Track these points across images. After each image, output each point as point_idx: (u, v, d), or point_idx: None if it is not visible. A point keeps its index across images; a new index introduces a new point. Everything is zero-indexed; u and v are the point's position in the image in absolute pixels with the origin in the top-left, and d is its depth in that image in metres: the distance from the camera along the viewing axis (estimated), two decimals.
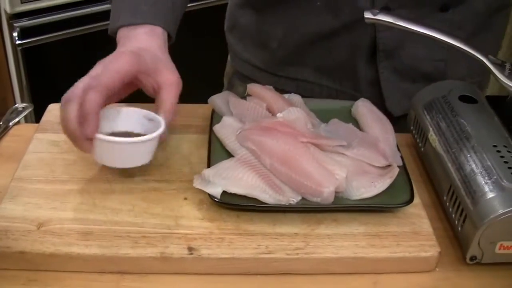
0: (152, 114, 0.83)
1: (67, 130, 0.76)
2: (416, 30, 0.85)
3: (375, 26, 1.02)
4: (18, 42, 1.88)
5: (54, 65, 1.99)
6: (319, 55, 1.10)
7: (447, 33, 0.84)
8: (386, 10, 0.99)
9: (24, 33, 1.89)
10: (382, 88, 1.08)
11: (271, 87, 0.98)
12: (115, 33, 0.89)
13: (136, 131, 0.84)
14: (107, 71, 0.78)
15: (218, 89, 1.20)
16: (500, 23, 1.14)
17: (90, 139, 0.76)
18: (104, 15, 1.97)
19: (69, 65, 2.00)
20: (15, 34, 1.88)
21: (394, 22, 0.86)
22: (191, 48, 2.09)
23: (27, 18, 1.89)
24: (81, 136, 0.76)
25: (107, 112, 0.82)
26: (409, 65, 1.07)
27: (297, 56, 1.12)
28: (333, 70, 1.10)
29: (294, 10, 1.07)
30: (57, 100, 1.01)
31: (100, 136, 0.77)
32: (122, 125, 0.84)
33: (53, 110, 0.98)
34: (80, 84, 0.76)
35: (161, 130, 0.79)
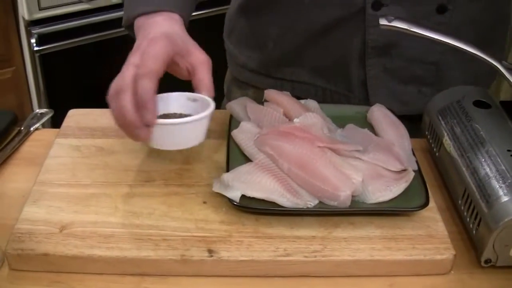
0: (195, 94, 0.83)
1: (125, 120, 0.76)
2: (431, 37, 0.86)
3: (365, 21, 1.02)
4: (36, 48, 1.90)
5: (71, 71, 2.02)
6: (313, 54, 1.10)
7: (458, 39, 0.86)
8: (378, 5, 1.00)
9: (42, 39, 1.92)
10: (368, 86, 1.08)
11: (288, 93, 0.99)
12: (131, 24, 0.89)
13: (185, 112, 0.85)
14: (149, 57, 0.78)
15: (218, 96, 1.22)
16: (502, 38, 1.14)
17: (148, 127, 0.77)
18: (120, 22, 2.01)
19: (86, 71, 2.03)
20: (33, 40, 1.91)
21: (409, 28, 0.87)
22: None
23: (44, 25, 1.93)
24: (141, 124, 0.76)
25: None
26: (399, 65, 1.07)
27: (292, 56, 1.12)
28: (327, 70, 1.10)
29: (286, 9, 1.07)
30: (74, 105, 1.04)
31: (161, 120, 0.78)
32: (170, 109, 0.85)
33: (73, 116, 1.00)
34: (128, 73, 0.76)
35: (212, 106, 0.81)
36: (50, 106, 1.96)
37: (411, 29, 0.87)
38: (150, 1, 0.88)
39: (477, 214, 0.74)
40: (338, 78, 1.09)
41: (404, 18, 0.88)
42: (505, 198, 0.70)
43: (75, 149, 0.92)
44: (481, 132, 0.82)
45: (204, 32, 2.07)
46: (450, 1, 1.01)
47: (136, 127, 0.76)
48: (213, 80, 0.82)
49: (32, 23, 1.92)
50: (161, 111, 0.84)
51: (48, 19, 1.93)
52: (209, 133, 0.95)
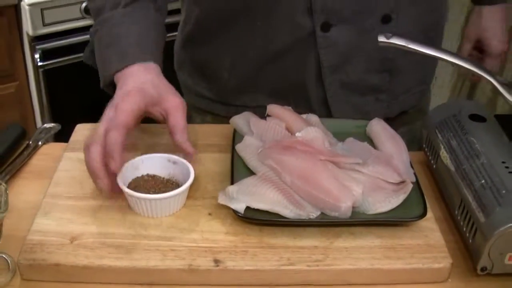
0: (175, 157, 0.88)
1: (91, 170, 0.81)
2: (427, 53, 0.89)
3: (317, 43, 1.04)
4: (40, 63, 1.93)
5: (73, 86, 2.04)
6: (270, 78, 1.11)
7: (454, 54, 0.89)
8: (327, 26, 1.02)
9: (45, 54, 1.95)
10: (329, 104, 1.11)
11: (290, 108, 1.02)
12: (110, 82, 0.94)
13: (162, 175, 0.89)
14: (120, 112, 0.83)
15: None
16: (441, 33, 1.19)
17: (114, 177, 0.82)
18: None
19: (88, 86, 2.04)
20: (36, 55, 1.94)
21: (406, 45, 0.90)
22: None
23: (48, 40, 1.96)
24: (104, 175, 0.80)
25: (132, 162, 0.87)
26: (355, 78, 1.09)
27: (249, 83, 1.13)
28: (286, 92, 1.11)
29: (237, 36, 1.09)
30: (76, 119, 1.06)
31: (127, 190, 0.82)
32: (151, 170, 0.89)
33: (80, 130, 1.03)
34: (101, 128, 0.82)
35: (191, 179, 0.84)
36: (53, 120, 1.98)
37: (409, 46, 0.89)
38: (123, 57, 0.92)
39: (473, 224, 0.77)
40: (298, 99, 1.10)
41: (401, 34, 0.91)
42: (500, 208, 0.73)
43: (83, 162, 0.94)
44: (477, 145, 0.85)
45: (168, 57, 2.11)
46: (393, 10, 1.04)
47: (97, 177, 0.81)
48: (186, 122, 0.87)
49: (36, 39, 1.95)
50: (144, 172, 0.88)
51: (51, 34, 1.96)
52: (214, 147, 0.99)
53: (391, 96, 1.14)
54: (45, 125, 1.09)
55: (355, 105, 1.11)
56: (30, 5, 1.90)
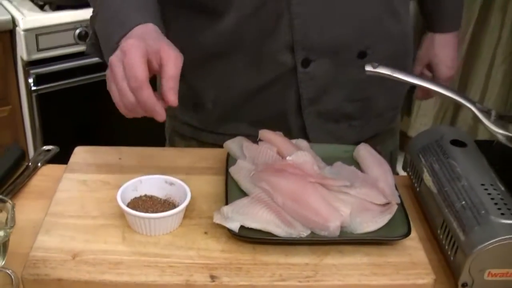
0: (172, 179, 0.92)
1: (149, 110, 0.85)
2: (409, 81, 0.95)
3: (298, 78, 1.10)
4: (33, 88, 1.97)
5: (65, 110, 2.08)
6: (252, 110, 1.16)
7: (435, 82, 0.95)
8: (307, 62, 1.08)
9: (39, 79, 1.99)
10: (307, 132, 1.16)
11: (281, 133, 1.06)
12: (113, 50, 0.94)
13: (160, 196, 0.93)
14: (133, 67, 0.83)
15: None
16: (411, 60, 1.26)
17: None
18: None
19: (80, 110, 2.09)
20: (30, 80, 1.97)
21: (391, 74, 0.95)
22: None
23: (42, 65, 1.99)
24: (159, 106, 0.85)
25: (131, 183, 0.91)
26: (331, 108, 1.15)
27: (232, 114, 1.18)
28: (267, 122, 1.12)
29: (221, 70, 1.13)
30: (68, 143, 1.10)
31: (127, 210, 0.86)
32: (149, 191, 0.93)
33: (79, 153, 1.07)
34: (122, 85, 0.84)
35: (187, 199, 0.88)
36: (44, 144, 2.01)
37: (394, 75, 0.95)
38: (124, 24, 0.92)
39: (454, 242, 0.81)
40: (277, 128, 1.11)
41: (386, 64, 0.97)
42: (479, 227, 0.78)
43: (83, 183, 0.98)
44: (458, 168, 0.90)
45: None
46: (368, 47, 1.10)
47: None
48: (179, 73, 0.87)
49: (30, 64, 1.98)
50: (142, 192, 0.92)
51: (45, 60, 2.00)
52: (209, 170, 1.03)
53: (363, 122, 1.20)
54: (44, 147, 1.12)
55: (330, 131, 1.16)
56: (26, 30, 1.94)
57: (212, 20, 1.08)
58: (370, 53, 1.11)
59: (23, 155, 1.08)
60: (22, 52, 1.97)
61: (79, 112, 2.09)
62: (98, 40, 0.99)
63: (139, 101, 0.83)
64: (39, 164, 1.07)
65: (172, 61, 0.86)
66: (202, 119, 1.21)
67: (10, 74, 2.06)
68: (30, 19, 1.98)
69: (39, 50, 1.97)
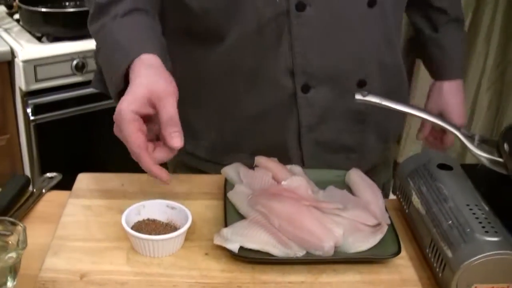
0: (173, 203, 0.97)
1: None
2: (398, 109, 1.01)
3: (297, 104, 1.13)
4: (32, 118, 2.01)
5: (63, 139, 2.11)
6: (253, 139, 1.19)
7: (422, 110, 1.00)
8: (307, 88, 1.12)
9: (37, 109, 2.02)
10: (304, 160, 1.19)
11: (275, 159, 1.11)
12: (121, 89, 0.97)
13: (161, 219, 0.97)
14: (128, 142, 0.89)
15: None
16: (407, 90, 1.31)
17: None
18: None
19: (77, 140, 2.13)
20: (28, 110, 2.01)
21: (380, 102, 1.01)
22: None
23: (40, 95, 2.03)
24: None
25: (134, 207, 0.96)
26: (330, 138, 1.19)
27: (234, 143, 1.21)
28: (267, 152, 1.15)
29: (222, 96, 1.17)
30: (65, 172, 1.14)
31: (131, 232, 0.90)
32: (151, 215, 0.97)
33: (82, 179, 1.11)
34: (134, 144, 0.89)
35: (189, 222, 0.93)
36: (42, 172, 2.05)
37: (382, 103, 1.01)
38: (127, 54, 0.96)
39: (442, 260, 0.86)
40: (278, 156, 1.14)
41: (375, 93, 1.02)
42: (465, 245, 0.83)
43: (87, 208, 1.02)
44: (444, 191, 0.95)
45: None
46: (368, 76, 1.15)
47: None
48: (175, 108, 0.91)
49: (28, 94, 2.02)
50: (145, 216, 0.97)
51: (43, 90, 2.04)
52: (207, 195, 1.07)
53: (360, 156, 1.23)
54: (47, 174, 1.16)
55: (326, 160, 1.19)
56: (24, 61, 1.98)
57: (214, 43, 1.12)
58: (369, 82, 1.15)
59: (28, 182, 1.12)
60: (21, 83, 2.01)
61: (76, 141, 2.13)
62: (102, 76, 1.04)
63: (142, 165, 0.89)
64: (43, 191, 1.11)
65: (166, 104, 0.90)
66: (205, 148, 1.24)
67: (8, 104, 2.10)
68: (28, 50, 2.03)
69: (37, 80, 2.02)
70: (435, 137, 1.39)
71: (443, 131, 1.35)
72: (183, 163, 1.29)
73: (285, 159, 1.14)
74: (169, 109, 0.90)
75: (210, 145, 1.24)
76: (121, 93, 0.96)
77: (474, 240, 0.83)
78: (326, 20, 1.08)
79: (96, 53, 1.06)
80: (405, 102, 1.07)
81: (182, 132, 0.90)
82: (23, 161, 2.16)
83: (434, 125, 1.00)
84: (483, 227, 0.85)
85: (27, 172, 2.16)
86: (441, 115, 1.34)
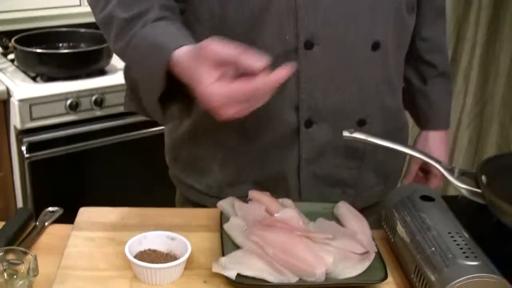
0: (173, 234, 1.03)
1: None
2: (381, 144, 1.09)
3: (300, 139, 1.19)
4: (26, 155, 2.05)
5: (57, 177, 2.16)
6: (255, 171, 1.24)
7: (407, 146, 1.08)
8: (310, 123, 1.18)
9: (32, 147, 2.07)
10: (301, 193, 1.24)
11: (268, 193, 1.16)
12: (161, 94, 1.01)
13: (162, 250, 1.02)
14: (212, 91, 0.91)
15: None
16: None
17: None
18: (104, 133, 2.19)
19: (70, 177, 2.18)
20: (23, 148, 2.05)
21: (366, 138, 1.08)
22: (140, 173, 2.31)
23: (35, 134, 2.07)
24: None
25: (136, 238, 1.01)
26: (327, 172, 1.24)
27: (236, 176, 1.25)
28: (268, 184, 1.22)
29: (228, 134, 1.21)
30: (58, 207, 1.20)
31: (134, 261, 0.96)
32: (152, 245, 1.02)
33: (84, 213, 1.16)
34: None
35: (188, 252, 0.98)
36: (35, 209, 2.08)
37: (368, 139, 1.08)
38: (161, 50, 0.99)
39: (426, 283, 0.92)
40: (278, 189, 1.21)
41: (362, 130, 1.09)
42: (447, 269, 0.89)
43: (90, 240, 1.08)
44: (427, 220, 1.01)
45: (146, 152, 2.25)
46: (368, 115, 1.21)
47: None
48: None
49: (23, 132, 2.06)
50: (147, 247, 1.02)
51: (38, 128, 2.08)
52: (204, 228, 1.13)
53: (357, 192, 1.28)
54: (49, 208, 1.22)
55: (323, 194, 1.24)
56: (20, 100, 2.03)
57: None
58: (369, 121, 1.21)
59: (31, 216, 1.17)
60: (16, 121, 2.05)
61: (69, 178, 2.17)
62: (134, 95, 1.08)
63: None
64: (46, 224, 1.16)
65: (223, 48, 0.91)
66: (208, 182, 1.29)
67: (3, 142, 2.14)
68: (24, 90, 2.08)
69: (32, 119, 2.06)
70: (419, 183, 1.44)
71: (427, 177, 1.41)
72: (189, 200, 1.34)
73: (283, 190, 1.21)
74: (223, 49, 0.91)
75: (213, 180, 1.28)
76: (161, 97, 1.01)
77: (455, 265, 0.90)
78: (332, 59, 1.15)
79: (126, 71, 1.10)
80: (401, 142, 1.13)
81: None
82: (17, 198, 2.20)
83: (417, 159, 1.07)
84: (464, 252, 0.92)
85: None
86: (426, 163, 1.37)
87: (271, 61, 0.90)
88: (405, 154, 1.09)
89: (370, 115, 1.22)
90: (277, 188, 1.23)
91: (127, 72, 1.10)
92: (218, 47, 0.90)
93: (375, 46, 1.16)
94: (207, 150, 1.27)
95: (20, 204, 2.17)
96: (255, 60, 0.90)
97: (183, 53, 0.97)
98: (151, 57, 1.01)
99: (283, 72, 0.90)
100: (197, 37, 1.01)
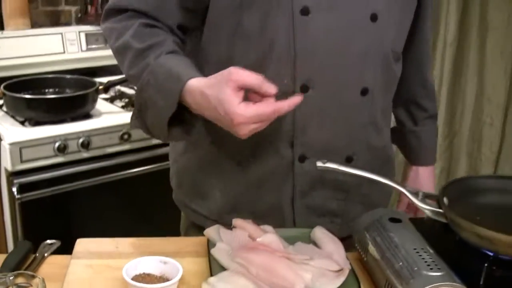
0: (166, 258, 1.12)
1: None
2: (352, 172, 1.21)
3: (294, 172, 1.29)
4: (17, 196, 2.11)
5: (48, 217, 2.22)
6: (252, 201, 1.33)
7: (373, 174, 1.20)
8: (303, 158, 1.28)
9: (22, 188, 2.13)
10: (295, 223, 1.34)
11: (250, 220, 1.26)
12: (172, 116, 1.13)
13: (155, 273, 1.11)
14: (235, 112, 1.06)
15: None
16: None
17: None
18: (91, 173, 2.28)
19: (59, 216, 2.25)
20: (14, 189, 2.11)
21: (338, 167, 1.20)
22: (147, 205, 2.41)
23: (25, 175, 2.14)
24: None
25: (131, 263, 1.10)
26: (318, 203, 1.34)
27: (235, 204, 1.34)
28: (264, 213, 1.31)
29: (229, 163, 1.32)
30: None
31: (132, 282, 1.05)
32: (146, 269, 1.11)
33: (81, 243, 1.26)
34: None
35: (180, 274, 1.07)
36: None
37: (340, 168, 1.19)
38: (179, 78, 1.12)
39: None
40: (273, 219, 1.30)
41: (334, 160, 1.21)
42: (413, 280, 1.00)
43: (88, 267, 1.17)
44: (395, 239, 1.12)
45: (153, 185, 2.36)
46: (355, 153, 1.32)
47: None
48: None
49: (14, 174, 2.12)
50: (141, 271, 1.11)
51: (28, 170, 2.15)
52: (193, 253, 1.23)
53: (343, 221, 1.37)
54: (47, 241, 1.31)
55: (313, 223, 1.31)
56: (11, 144, 2.11)
57: None
58: (355, 158, 1.31)
59: (31, 248, 1.26)
60: (7, 164, 2.11)
61: (58, 217, 2.24)
62: (141, 116, 1.19)
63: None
64: (45, 255, 1.25)
65: (242, 75, 1.07)
66: (209, 207, 1.38)
67: None
68: (14, 133, 2.15)
69: (22, 161, 2.13)
70: (412, 211, 1.56)
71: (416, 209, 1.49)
72: (193, 224, 1.44)
73: (278, 220, 1.31)
74: (249, 76, 1.07)
75: (215, 206, 1.37)
76: (171, 120, 1.14)
77: (421, 276, 1.01)
78: (325, 102, 1.26)
79: (139, 91, 1.19)
80: (385, 175, 1.24)
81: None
82: (7, 237, 2.26)
83: (385, 185, 1.19)
84: (428, 265, 1.03)
85: (10, 246, 2.26)
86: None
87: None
88: (390, 186, 1.20)
89: (357, 152, 1.32)
90: (273, 218, 1.32)
91: (139, 94, 1.19)
92: (245, 73, 1.06)
93: (364, 92, 1.28)
94: (209, 179, 1.37)
95: (10, 243, 2.23)
96: (271, 87, 1.07)
97: (196, 82, 1.11)
98: (168, 83, 1.14)
99: (295, 100, 1.08)
100: (205, 75, 1.14)
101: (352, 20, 1.22)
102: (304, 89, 1.23)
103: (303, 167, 1.29)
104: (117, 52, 1.26)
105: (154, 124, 1.18)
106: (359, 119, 1.31)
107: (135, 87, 1.22)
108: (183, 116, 1.17)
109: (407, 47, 1.39)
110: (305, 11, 1.19)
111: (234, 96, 1.05)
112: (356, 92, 1.27)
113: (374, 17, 1.23)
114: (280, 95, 1.09)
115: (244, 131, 1.08)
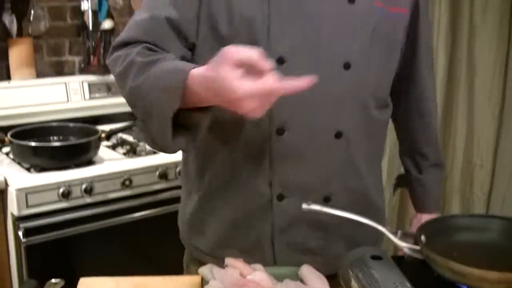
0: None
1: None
2: (334, 214, 1.28)
3: (273, 210, 1.36)
4: (23, 240, 2.19)
5: (51, 259, 2.29)
6: (238, 237, 1.41)
7: (355, 215, 1.27)
8: (281, 197, 1.34)
9: (28, 232, 2.21)
10: (276, 261, 1.40)
11: (241, 259, 1.33)
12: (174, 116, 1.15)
13: None
14: (236, 89, 1.05)
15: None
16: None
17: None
18: (94, 218, 2.36)
19: (63, 260, 2.32)
20: (20, 233, 2.19)
21: (321, 209, 1.28)
22: (147, 248, 2.49)
23: (30, 220, 2.22)
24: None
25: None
26: (298, 241, 1.39)
27: (224, 240, 1.42)
28: (248, 251, 1.37)
29: (217, 204, 1.41)
30: None
31: None
32: None
33: (83, 283, 1.34)
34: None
35: None
36: None
37: (323, 209, 1.28)
38: (181, 70, 1.14)
39: None
40: (256, 256, 1.37)
41: (312, 200, 1.28)
42: None
43: None
44: (376, 275, 1.20)
45: (154, 229, 2.44)
46: (332, 193, 1.38)
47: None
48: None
49: (20, 218, 2.19)
50: None
51: (33, 215, 2.23)
52: None
53: (325, 260, 1.40)
54: (52, 280, 1.39)
55: (296, 261, 1.35)
56: (17, 190, 2.19)
57: (218, 158, 1.39)
58: (333, 198, 1.37)
59: (37, 286, 1.34)
60: (13, 208, 2.19)
61: (62, 260, 2.31)
62: (145, 126, 1.23)
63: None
64: None
65: (239, 51, 1.05)
66: (205, 243, 1.47)
67: (0, 228, 2.29)
68: (20, 180, 2.24)
69: (28, 206, 2.21)
70: None
71: None
72: (194, 258, 1.52)
73: (260, 257, 1.37)
74: (245, 50, 1.05)
75: (209, 242, 1.46)
76: (175, 129, 1.17)
77: None
78: (300, 143, 1.34)
79: (142, 99, 1.21)
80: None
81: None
82: (13, 280, 2.32)
83: (366, 226, 1.26)
84: None
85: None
86: None
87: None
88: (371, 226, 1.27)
89: (334, 193, 1.39)
90: (255, 255, 1.38)
91: (143, 102, 1.21)
92: (239, 49, 1.05)
93: (338, 135, 1.35)
94: (204, 216, 1.45)
95: (16, 284, 2.30)
96: (267, 63, 1.05)
97: (197, 70, 1.12)
98: (171, 78, 1.16)
99: (299, 83, 1.07)
100: None
101: (325, 68, 1.30)
102: (280, 132, 1.32)
103: (281, 205, 1.37)
104: (121, 74, 1.27)
105: (159, 130, 1.19)
106: (334, 160, 1.37)
107: (137, 102, 1.25)
108: (187, 121, 1.19)
109: (406, 97, 1.49)
110: (281, 60, 1.28)
111: (232, 71, 1.04)
112: (330, 135, 1.35)
113: (347, 66, 1.31)
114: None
115: (249, 106, 1.06)
